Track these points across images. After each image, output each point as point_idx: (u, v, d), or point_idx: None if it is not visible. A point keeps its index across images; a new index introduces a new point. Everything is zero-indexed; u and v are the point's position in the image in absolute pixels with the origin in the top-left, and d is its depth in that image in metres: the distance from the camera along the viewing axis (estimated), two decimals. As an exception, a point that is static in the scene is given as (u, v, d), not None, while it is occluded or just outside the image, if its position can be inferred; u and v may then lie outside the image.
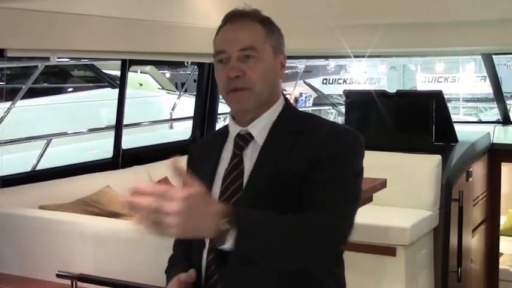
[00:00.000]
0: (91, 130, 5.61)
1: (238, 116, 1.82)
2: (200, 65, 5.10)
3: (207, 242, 1.75)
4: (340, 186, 1.67)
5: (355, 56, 5.93)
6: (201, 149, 1.97)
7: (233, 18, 1.81)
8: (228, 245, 1.49)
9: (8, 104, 4.73)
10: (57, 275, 2.86)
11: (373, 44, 4.19)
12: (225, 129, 1.90)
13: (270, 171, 1.72)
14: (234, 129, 1.82)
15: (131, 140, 4.80)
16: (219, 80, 1.77)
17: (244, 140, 1.79)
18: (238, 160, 1.78)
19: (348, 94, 4.89)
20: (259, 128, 1.79)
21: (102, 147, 5.01)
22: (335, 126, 1.82)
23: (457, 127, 4.72)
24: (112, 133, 4.58)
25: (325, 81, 15.79)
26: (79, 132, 5.61)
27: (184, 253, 1.93)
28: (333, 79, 15.87)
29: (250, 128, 1.79)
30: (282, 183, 1.68)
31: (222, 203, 1.56)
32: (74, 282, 2.83)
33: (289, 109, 1.84)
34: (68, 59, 5.14)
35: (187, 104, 6.06)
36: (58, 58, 3.86)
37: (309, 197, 1.65)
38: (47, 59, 4.05)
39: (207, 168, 1.83)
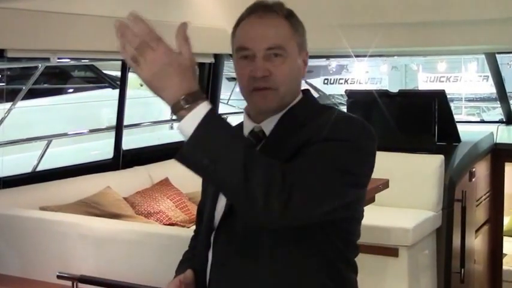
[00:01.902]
0: (91, 131, 5.59)
1: (254, 113, 1.73)
2: (200, 65, 5.08)
3: (212, 241, 1.71)
4: (326, 152, 1.51)
5: (357, 56, 5.92)
6: None
7: (259, 11, 1.69)
8: (183, 130, 1.42)
9: (8, 105, 4.71)
10: (58, 276, 2.85)
11: (375, 43, 4.17)
12: (241, 125, 1.81)
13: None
14: (248, 126, 1.74)
15: (132, 140, 4.79)
16: (242, 77, 1.67)
17: (256, 137, 1.71)
18: None
19: (350, 94, 4.87)
20: (272, 125, 1.70)
21: (103, 148, 5.00)
22: (341, 114, 1.69)
23: (460, 127, 4.69)
24: (112, 134, 4.57)
25: (326, 81, 15.77)
26: (79, 133, 5.60)
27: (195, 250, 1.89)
28: (334, 79, 15.85)
29: (263, 125, 1.71)
30: None
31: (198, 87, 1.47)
32: (74, 284, 2.82)
33: (304, 102, 1.74)
34: (68, 60, 5.13)
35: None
36: (58, 58, 3.86)
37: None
38: (47, 59, 4.04)
39: None
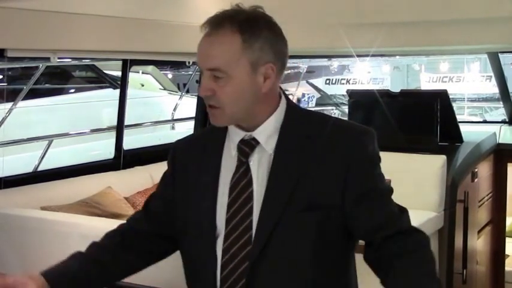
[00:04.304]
0: (92, 131, 5.59)
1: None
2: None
3: (219, 255, 1.67)
4: (382, 198, 1.71)
5: (359, 56, 5.90)
6: (186, 154, 1.83)
7: (209, 27, 1.65)
8: None
9: (9, 105, 4.71)
10: (58, 277, 2.83)
11: (377, 43, 4.15)
12: (211, 135, 1.79)
13: (288, 179, 1.64)
14: (237, 135, 1.72)
15: (133, 140, 4.78)
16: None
17: (249, 146, 1.70)
18: (245, 168, 1.69)
19: (352, 94, 4.85)
20: (267, 134, 1.69)
21: (104, 148, 4.99)
22: (343, 126, 1.75)
23: (462, 127, 4.66)
24: (113, 134, 4.56)
25: (328, 81, 15.76)
26: (80, 133, 5.59)
27: (127, 238, 1.90)
28: (336, 79, 15.84)
29: (255, 134, 1.70)
30: (303, 192, 1.63)
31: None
32: (74, 285, 2.81)
33: (293, 110, 1.75)
34: (69, 60, 5.12)
35: (189, 105, 6.03)
36: (58, 58, 3.84)
37: (363, 222, 1.66)
38: (48, 59, 4.03)
39: (207, 176, 1.73)
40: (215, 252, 1.67)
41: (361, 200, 1.65)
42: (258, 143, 1.69)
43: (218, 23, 1.64)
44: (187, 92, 7.15)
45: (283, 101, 1.74)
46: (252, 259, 1.63)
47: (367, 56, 5.92)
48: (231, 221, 1.66)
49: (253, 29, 1.64)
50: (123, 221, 3.49)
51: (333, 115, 9.94)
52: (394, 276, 1.61)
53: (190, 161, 1.79)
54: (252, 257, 1.63)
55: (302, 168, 1.64)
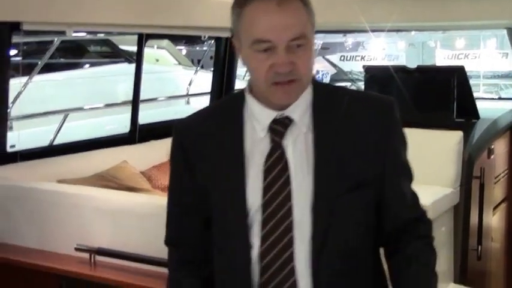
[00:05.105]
0: (107, 105, 5.60)
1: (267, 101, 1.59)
2: (217, 39, 5.04)
3: (256, 243, 1.57)
4: (408, 179, 1.72)
5: (374, 31, 5.85)
6: (197, 136, 1.66)
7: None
8: None
9: (24, 79, 4.71)
10: (76, 249, 2.87)
11: (392, 18, 4.11)
12: (222, 113, 1.66)
13: (335, 158, 1.56)
14: (266, 114, 1.59)
15: (147, 115, 4.78)
16: (260, 71, 1.52)
17: (283, 125, 1.58)
18: (280, 150, 1.58)
19: (368, 69, 4.82)
20: (301, 111, 1.59)
21: (118, 123, 5.00)
22: (371, 97, 1.69)
23: (478, 104, 4.63)
24: (128, 108, 4.57)
25: (342, 58, 15.63)
26: (95, 108, 5.60)
27: (194, 274, 1.70)
28: (350, 56, 15.72)
29: (289, 112, 1.58)
30: (350, 170, 1.57)
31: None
32: (92, 256, 2.84)
33: (320, 86, 1.66)
34: (84, 34, 5.12)
35: (203, 80, 6.02)
36: (74, 32, 3.84)
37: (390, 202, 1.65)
38: (63, 33, 4.02)
39: (230, 160, 1.60)
40: (249, 240, 1.57)
41: (396, 173, 1.66)
42: (291, 121, 1.59)
43: None
44: (202, 68, 7.14)
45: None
46: (309, 247, 1.55)
47: (382, 31, 5.85)
48: (268, 206, 1.56)
49: None
50: (139, 194, 3.52)
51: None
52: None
53: (203, 144, 1.65)
54: (304, 243, 1.55)
55: (344, 145, 1.57)
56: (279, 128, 1.59)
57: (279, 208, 1.56)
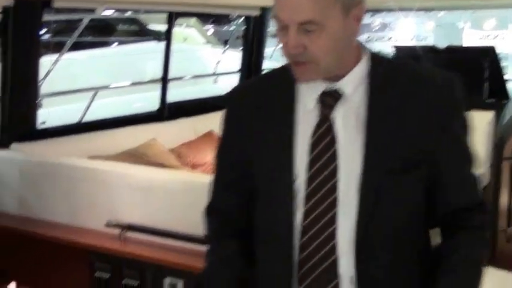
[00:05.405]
0: (135, 83, 5.62)
1: None
2: (247, 18, 5.02)
3: (299, 217, 1.52)
4: (467, 163, 1.60)
5: (402, 10, 5.78)
6: (248, 107, 1.63)
7: None
8: None
9: (54, 57, 4.74)
10: (106, 225, 2.89)
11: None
12: (274, 83, 1.61)
13: (389, 135, 1.50)
14: (317, 86, 1.53)
15: (175, 94, 4.79)
16: (282, 48, 1.49)
17: (333, 97, 1.52)
18: (328, 123, 1.52)
19: (398, 49, 4.78)
20: (353, 85, 1.52)
21: (146, 101, 5.02)
22: (433, 72, 1.59)
23: (508, 85, 4.58)
24: (155, 87, 4.58)
25: (369, 38, 15.52)
26: (124, 86, 5.63)
27: (237, 244, 1.65)
28: (377, 37, 15.58)
29: (341, 85, 1.52)
30: (405, 147, 1.50)
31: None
32: (122, 232, 2.86)
33: (378, 58, 1.58)
34: (112, 12, 5.13)
35: (231, 59, 6.01)
36: (105, 9, 3.84)
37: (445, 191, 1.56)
38: (92, 11, 4.03)
39: (279, 131, 1.56)
40: (292, 214, 1.53)
41: (454, 157, 1.58)
42: (341, 95, 1.53)
43: None
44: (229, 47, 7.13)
45: (366, 49, 1.58)
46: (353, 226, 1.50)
47: (411, 10, 5.79)
48: (313, 180, 1.52)
49: None
50: (168, 170, 3.52)
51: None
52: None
53: (254, 110, 1.62)
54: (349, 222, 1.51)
55: (399, 124, 1.50)
56: (329, 100, 1.53)
57: (323, 183, 1.52)
